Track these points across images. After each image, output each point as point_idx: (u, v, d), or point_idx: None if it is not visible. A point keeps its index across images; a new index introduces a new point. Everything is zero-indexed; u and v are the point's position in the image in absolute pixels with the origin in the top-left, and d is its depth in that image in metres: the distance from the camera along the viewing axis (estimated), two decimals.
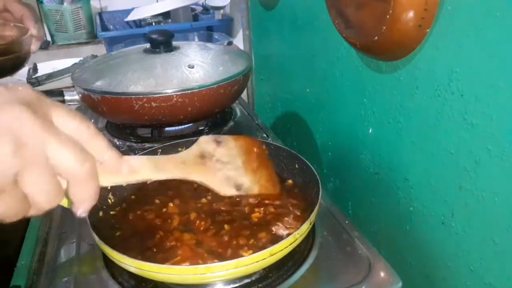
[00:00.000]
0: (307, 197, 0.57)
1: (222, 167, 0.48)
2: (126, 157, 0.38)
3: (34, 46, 0.63)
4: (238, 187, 0.49)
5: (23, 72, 1.25)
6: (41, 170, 0.30)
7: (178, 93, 0.72)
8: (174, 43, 0.85)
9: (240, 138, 0.53)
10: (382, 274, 0.50)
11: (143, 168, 0.40)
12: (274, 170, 0.55)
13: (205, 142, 0.49)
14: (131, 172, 0.39)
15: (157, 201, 0.58)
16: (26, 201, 0.30)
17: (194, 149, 0.48)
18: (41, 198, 0.31)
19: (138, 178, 0.40)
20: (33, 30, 0.60)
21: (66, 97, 0.79)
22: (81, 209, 0.34)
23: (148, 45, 0.86)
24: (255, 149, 0.53)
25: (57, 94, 0.80)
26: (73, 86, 0.79)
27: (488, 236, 0.48)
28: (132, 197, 0.60)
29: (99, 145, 0.35)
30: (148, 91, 0.72)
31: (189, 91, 0.73)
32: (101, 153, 0.35)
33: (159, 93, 0.71)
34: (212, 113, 0.83)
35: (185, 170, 0.45)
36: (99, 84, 0.77)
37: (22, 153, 0.29)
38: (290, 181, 0.62)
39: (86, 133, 0.34)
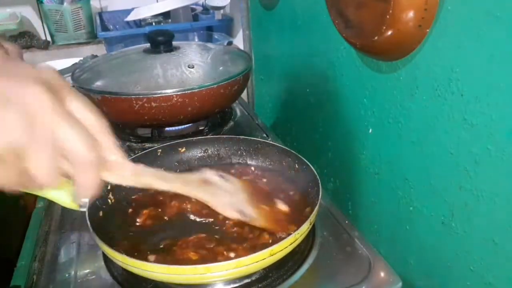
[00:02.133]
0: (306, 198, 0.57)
1: (226, 194, 0.49)
2: (131, 163, 0.39)
3: None
4: (241, 213, 0.49)
5: None
6: (46, 150, 0.31)
7: (178, 93, 0.72)
8: (174, 43, 0.85)
9: (244, 180, 0.54)
10: (382, 274, 0.50)
11: (145, 175, 0.41)
12: (276, 208, 0.55)
13: (209, 173, 0.49)
14: (133, 176, 0.39)
15: (160, 197, 0.59)
16: (26, 175, 0.31)
17: (198, 174, 0.49)
18: (41, 176, 0.31)
19: (139, 183, 0.40)
20: None
21: None
22: (81, 197, 0.35)
23: (148, 45, 0.86)
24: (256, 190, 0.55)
25: None
26: (73, 86, 0.79)
27: (488, 236, 0.48)
28: (133, 197, 0.60)
29: (108, 143, 0.36)
30: (148, 91, 0.72)
31: (189, 91, 0.73)
32: (108, 151, 0.36)
33: (159, 93, 0.71)
34: (212, 113, 0.83)
35: (189, 186, 0.46)
36: (99, 84, 0.77)
37: (32, 130, 0.30)
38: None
39: (99, 128, 0.35)
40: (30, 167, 0.31)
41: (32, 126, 0.30)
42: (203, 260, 0.47)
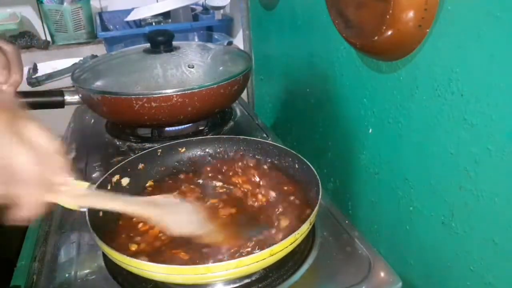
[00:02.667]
0: (307, 198, 0.57)
1: (177, 214, 0.49)
2: (81, 183, 0.41)
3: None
4: (192, 230, 0.49)
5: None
6: None
7: (178, 93, 0.72)
8: (174, 43, 0.85)
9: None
10: (382, 274, 0.50)
11: (93, 196, 0.43)
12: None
13: (162, 196, 0.52)
14: (81, 197, 0.41)
15: None
16: None
17: (150, 197, 0.51)
18: None
19: (87, 203, 0.43)
20: None
21: (66, 97, 0.79)
22: (22, 216, 0.35)
23: (148, 45, 0.86)
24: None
25: (57, 94, 0.79)
26: (73, 86, 0.79)
27: (488, 236, 0.48)
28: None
29: (59, 164, 0.36)
30: (148, 91, 0.72)
31: (189, 91, 0.73)
32: (59, 171, 0.37)
33: (159, 93, 0.71)
34: (212, 113, 0.83)
35: (135, 206, 0.47)
36: (99, 84, 0.77)
37: None
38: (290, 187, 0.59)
39: (51, 150, 0.35)
40: None
41: None
42: (193, 260, 0.47)
